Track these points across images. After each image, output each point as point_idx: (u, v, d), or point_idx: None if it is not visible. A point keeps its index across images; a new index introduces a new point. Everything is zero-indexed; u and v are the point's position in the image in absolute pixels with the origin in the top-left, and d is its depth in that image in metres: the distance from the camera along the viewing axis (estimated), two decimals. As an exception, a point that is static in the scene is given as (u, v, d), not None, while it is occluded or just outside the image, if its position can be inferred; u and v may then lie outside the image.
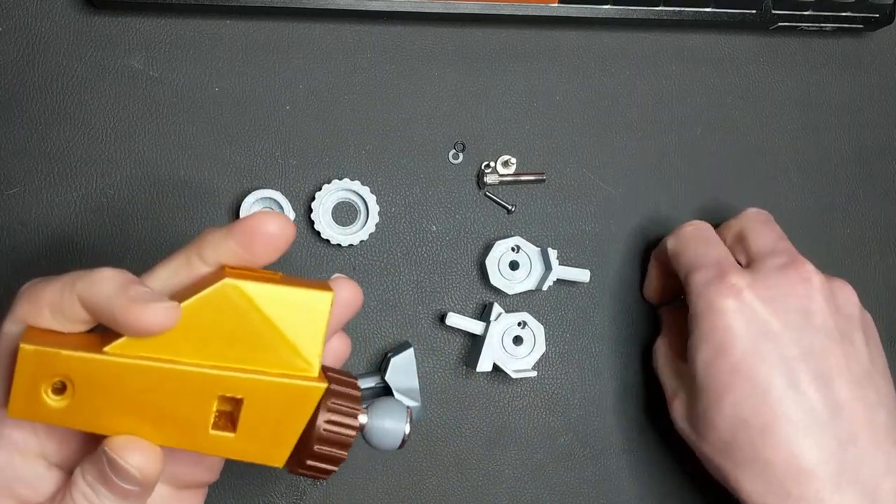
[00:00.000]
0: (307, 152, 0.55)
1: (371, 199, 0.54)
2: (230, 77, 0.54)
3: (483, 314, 0.56)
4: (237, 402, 0.36)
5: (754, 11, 0.57)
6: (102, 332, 0.35)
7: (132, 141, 0.53)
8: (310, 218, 0.54)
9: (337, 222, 0.55)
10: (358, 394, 0.37)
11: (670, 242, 0.53)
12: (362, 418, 0.37)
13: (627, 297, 0.58)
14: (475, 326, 0.54)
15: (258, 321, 0.35)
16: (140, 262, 0.53)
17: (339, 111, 0.55)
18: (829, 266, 0.60)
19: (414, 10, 0.53)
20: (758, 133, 0.60)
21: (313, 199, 0.54)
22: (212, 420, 0.36)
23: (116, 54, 0.53)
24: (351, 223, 0.55)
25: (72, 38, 0.53)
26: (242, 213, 0.53)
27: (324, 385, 0.36)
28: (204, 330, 0.34)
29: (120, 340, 0.34)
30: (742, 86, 0.60)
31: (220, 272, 0.35)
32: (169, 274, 0.36)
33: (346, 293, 0.38)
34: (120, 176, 0.53)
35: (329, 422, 0.36)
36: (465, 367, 0.56)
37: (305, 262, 0.55)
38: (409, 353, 0.53)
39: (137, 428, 0.35)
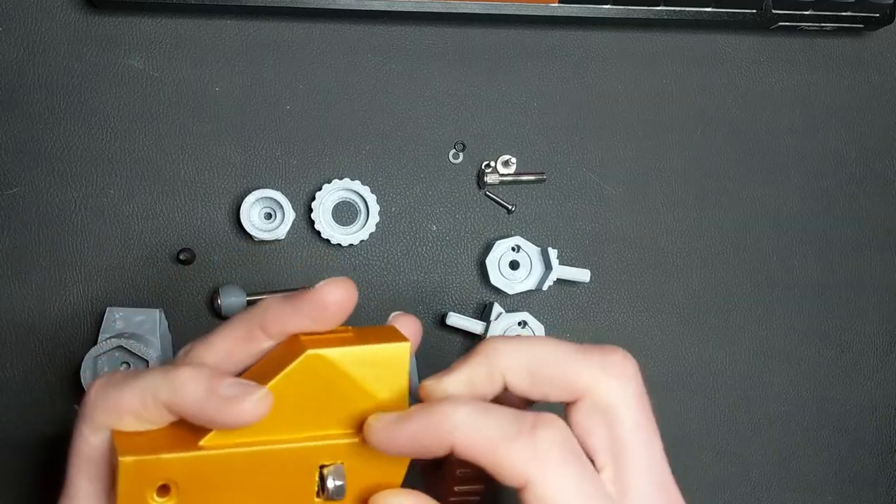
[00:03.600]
0: (307, 152, 0.55)
1: (371, 199, 0.54)
2: (230, 77, 0.54)
3: (483, 314, 0.56)
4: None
5: (754, 11, 0.57)
6: (185, 424, 0.35)
7: (132, 140, 0.53)
8: (310, 218, 0.54)
9: (337, 222, 0.55)
10: None
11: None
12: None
13: (627, 297, 0.58)
14: (475, 326, 0.54)
15: (344, 384, 0.34)
16: (140, 262, 0.53)
17: (339, 111, 0.55)
18: (830, 266, 0.61)
19: (414, 10, 0.53)
20: (758, 133, 0.60)
21: (313, 198, 0.54)
22: (315, 489, 0.35)
23: (116, 54, 0.53)
24: (351, 223, 0.55)
25: (72, 38, 0.53)
26: (243, 213, 0.53)
27: None
28: (293, 403, 0.34)
29: (213, 432, 0.33)
30: (742, 86, 0.60)
31: (294, 341, 0.35)
32: (229, 348, 0.36)
33: (409, 331, 0.37)
34: (120, 176, 0.53)
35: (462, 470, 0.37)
36: (465, 367, 0.56)
37: (306, 262, 0.54)
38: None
39: None
